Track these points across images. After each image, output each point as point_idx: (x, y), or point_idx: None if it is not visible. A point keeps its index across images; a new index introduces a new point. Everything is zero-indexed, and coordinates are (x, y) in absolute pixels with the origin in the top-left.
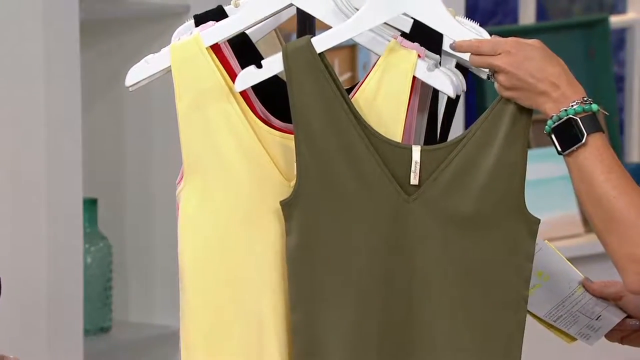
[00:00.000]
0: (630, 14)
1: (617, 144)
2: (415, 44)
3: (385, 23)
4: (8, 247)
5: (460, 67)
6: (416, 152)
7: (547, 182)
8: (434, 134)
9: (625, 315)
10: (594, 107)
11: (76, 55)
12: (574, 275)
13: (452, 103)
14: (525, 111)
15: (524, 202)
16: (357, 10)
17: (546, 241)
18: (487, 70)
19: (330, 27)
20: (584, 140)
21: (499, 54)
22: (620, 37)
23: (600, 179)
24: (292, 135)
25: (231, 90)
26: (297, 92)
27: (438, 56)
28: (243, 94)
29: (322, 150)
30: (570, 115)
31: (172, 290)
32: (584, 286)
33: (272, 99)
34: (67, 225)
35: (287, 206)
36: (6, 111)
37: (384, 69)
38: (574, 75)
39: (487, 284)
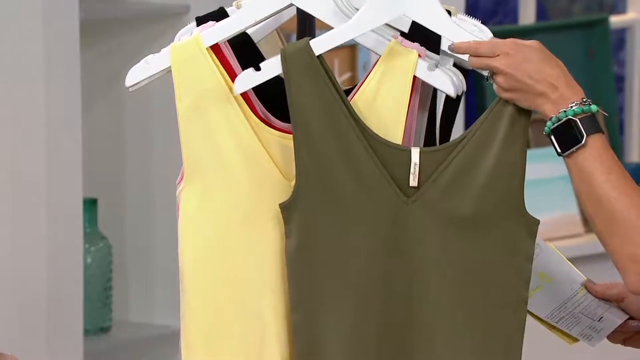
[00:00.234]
0: (630, 14)
1: (617, 144)
2: (416, 43)
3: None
4: (8, 247)
5: (462, 67)
6: (415, 153)
7: (547, 182)
8: (432, 133)
9: (627, 316)
10: (593, 108)
11: (76, 55)
12: (576, 276)
13: (453, 103)
14: (524, 112)
15: (524, 203)
16: (357, 10)
17: (548, 243)
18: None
19: (331, 27)
20: (583, 142)
21: (498, 55)
22: (620, 37)
23: (600, 179)
24: (292, 136)
25: (231, 90)
26: (295, 94)
27: (438, 56)
28: (243, 94)
29: (321, 153)
30: (570, 117)
31: (172, 290)
32: (586, 288)
33: (272, 99)
34: (67, 225)
35: (287, 209)
36: (6, 111)
37: (384, 69)
38: (573, 76)
39: (487, 285)
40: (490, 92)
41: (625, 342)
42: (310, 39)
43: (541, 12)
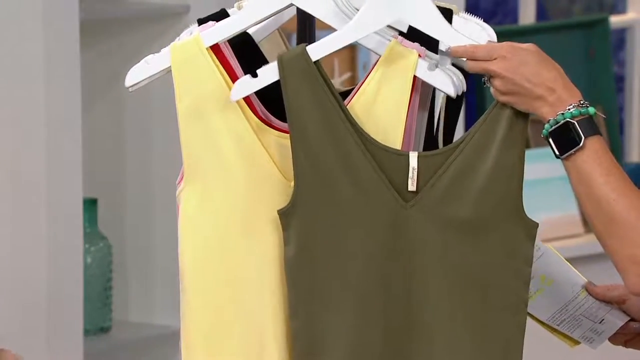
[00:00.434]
0: (630, 14)
1: (617, 144)
2: (416, 43)
3: None
4: (8, 247)
5: (463, 70)
6: (413, 158)
7: (547, 182)
8: (430, 134)
9: (628, 318)
10: (591, 110)
11: (76, 55)
12: (577, 279)
13: (455, 103)
14: (522, 115)
15: (522, 206)
16: (357, 10)
17: (548, 245)
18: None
19: (331, 27)
20: (581, 144)
21: (495, 59)
22: (620, 37)
23: (599, 181)
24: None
25: (231, 90)
26: (292, 101)
27: (438, 56)
28: None
29: (319, 159)
30: (567, 119)
31: (172, 290)
32: (587, 290)
33: (272, 99)
34: (67, 225)
35: (285, 215)
36: (6, 111)
37: (384, 69)
38: (573, 77)
39: (486, 288)
40: (489, 93)
41: (626, 343)
42: (307, 45)
43: (541, 12)
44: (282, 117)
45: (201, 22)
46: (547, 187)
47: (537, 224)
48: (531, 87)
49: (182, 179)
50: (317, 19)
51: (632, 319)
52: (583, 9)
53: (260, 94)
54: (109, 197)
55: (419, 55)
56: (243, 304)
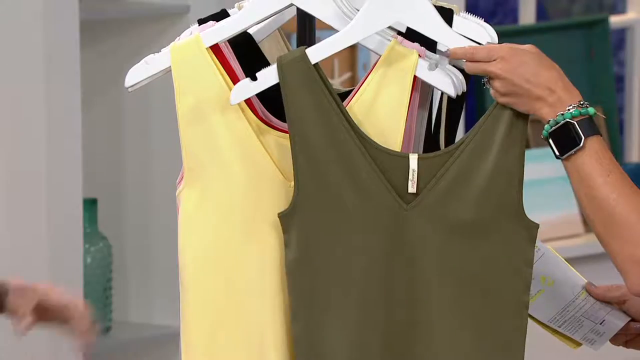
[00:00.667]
0: (630, 14)
1: (617, 144)
2: (416, 43)
3: None
4: (8, 247)
5: (464, 71)
6: (413, 160)
7: (547, 182)
8: (428, 133)
9: (629, 319)
10: (591, 110)
11: (76, 55)
12: (577, 280)
13: (456, 104)
14: (522, 116)
15: (523, 207)
16: (358, 10)
17: (549, 246)
18: None
19: (331, 27)
20: (581, 144)
21: (494, 60)
22: (620, 37)
23: (599, 181)
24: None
25: (231, 90)
26: (292, 104)
27: (438, 56)
28: None
29: (319, 162)
30: (567, 119)
31: (172, 290)
32: (587, 290)
33: (272, 98)
34: (67, 225)
35: (285, 218)
36: (6, 111)
37: (384, 69)
38: (573, 77)
39: (487, 289)
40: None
41: (627, 344)
42: (307, 48)
43: (541, 12)
44: (282, 117)
45: (201, 22)
46: (547, 187)
47: (538, 225)
48: (531, 87)
49: (182, 179)
50: (317, 19)
51: (633, 319)
52: (583, 9)
53: (260, 93)
54: (109, 197)
55: (419, 55)
56: (243, 304)
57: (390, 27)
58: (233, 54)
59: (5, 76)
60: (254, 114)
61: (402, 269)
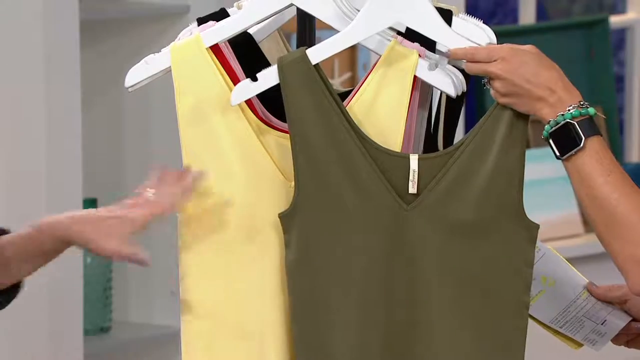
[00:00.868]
0: (630, 14)
1: (617, 144)
2: (416, 43)
3: None
4: None
5: (464, 71)
6: (414, 160)
7: (548, 182)
8: (427, 132)
9: (630, 318)
10: (591, 110)
11: (76, 55)
12: (578, 280)
13: (455, 104)
14: (522, 117)
15: (523, 207)
16: (358, 11)
17: (549, 246)
18: None
19: (331, 27)
20: (582, 144)
21: (494, 60)
22: (620, 37)
23: (599, 181)
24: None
25: (231, 90)
26: (293, 104)
27: (437, 56)
28: None
29: (320, 162)
30: (568, 120)
31: (172, 291)
32: (588, 291)
33: (272, 98)
34: None
35: (286, 218)
36: (6, 111)
37: (384, 69)
38: (573, 77)
39: (488, 290)
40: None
41: (628, 344)
42: (307, 49)
43: (541, 12)
44: (282, 117)
45: (201, 22)
46: (547, 187)
47: (538, 226)
48: (531, 88)
49: None
50: (317, 19)
51: (634, 319)
52: (583, 9)
53: (260, 93)
54: (109, 197)
55: (419, 55)
56: (243, 304)
57: (390, 27)
58: (233, 54)
59: (5, 76)
60: (254, 114)
61: (402, 269)
